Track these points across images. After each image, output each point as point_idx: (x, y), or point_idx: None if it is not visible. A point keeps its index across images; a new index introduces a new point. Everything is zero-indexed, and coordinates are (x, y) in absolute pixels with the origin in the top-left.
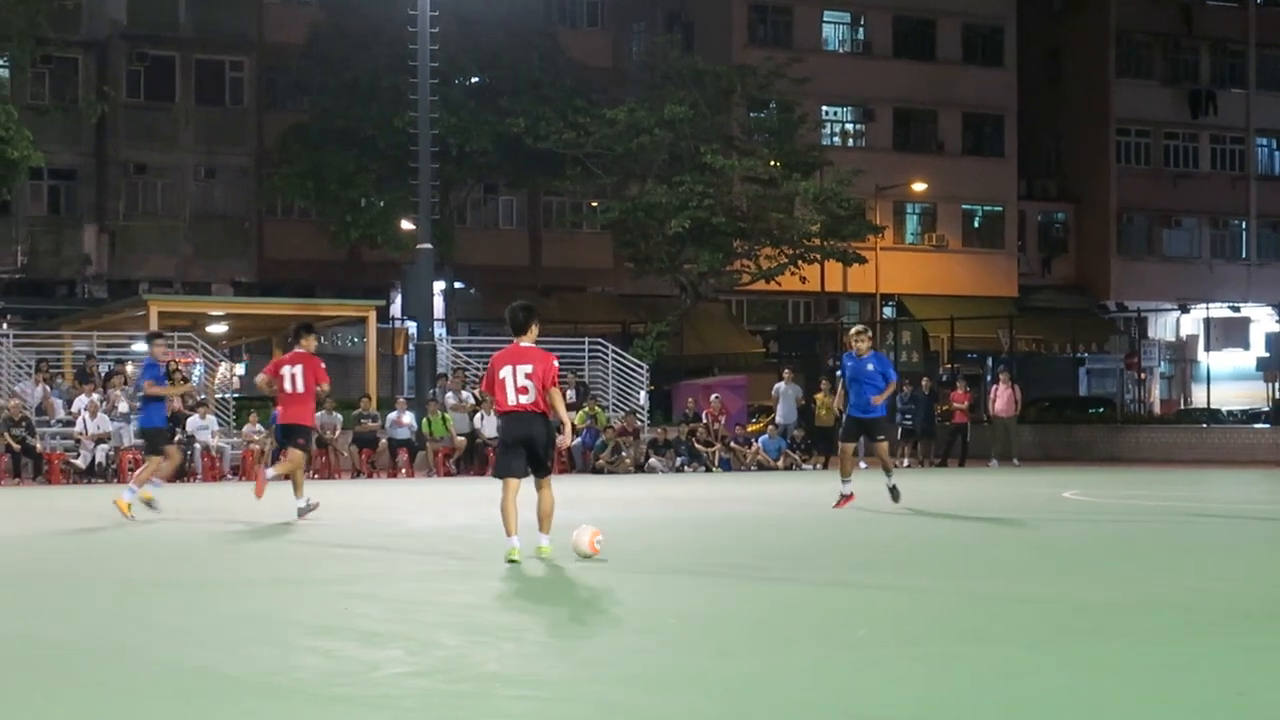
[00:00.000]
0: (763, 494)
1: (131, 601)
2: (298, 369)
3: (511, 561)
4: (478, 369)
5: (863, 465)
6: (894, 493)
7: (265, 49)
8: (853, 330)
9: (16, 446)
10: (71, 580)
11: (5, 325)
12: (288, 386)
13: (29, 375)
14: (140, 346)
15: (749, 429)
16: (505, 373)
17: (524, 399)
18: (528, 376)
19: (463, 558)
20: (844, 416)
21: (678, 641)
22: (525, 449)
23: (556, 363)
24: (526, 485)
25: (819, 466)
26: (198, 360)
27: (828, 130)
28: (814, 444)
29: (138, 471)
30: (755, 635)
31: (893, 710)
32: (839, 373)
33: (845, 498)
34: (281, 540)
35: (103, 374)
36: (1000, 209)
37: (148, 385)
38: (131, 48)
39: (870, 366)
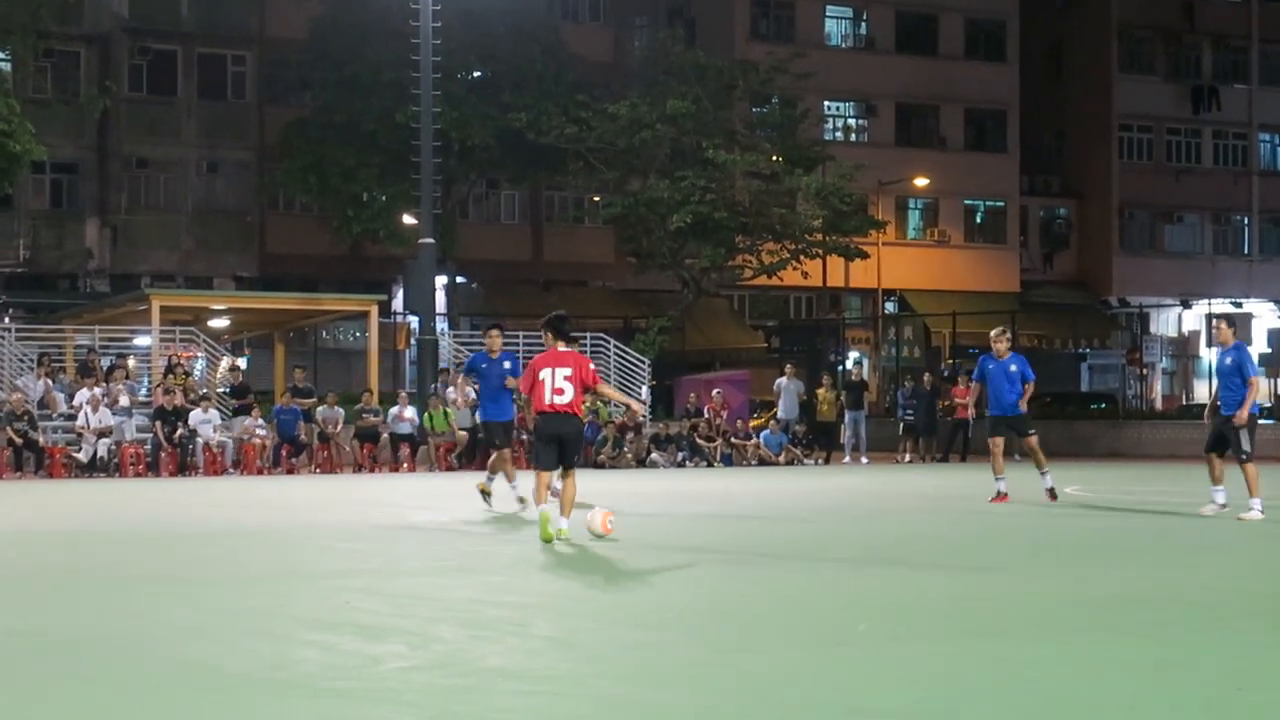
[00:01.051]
0: (764, 489)
1: (132, 597)
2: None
3: (548, 541)
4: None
5: (864, 460)
6: (1051, 493)
7: (267, 43)
8: (993, 333)
9: (19, 440)
10: (72, 575)
11: (7, 319)
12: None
13: (31, 369)
14: (142, 341)
15: (751, 424)
16: (545, 374)
17: (559, 399)
18: (566, 379)
19: (464, 552)
20: (984, 416)
21: (680, 637)
22: (558, 444)
23: (592, 365)
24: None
25: (820, 462)
26: (199, 355)
27: (830, 125)
28: (815, 439)
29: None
30: (758, 630)
31: (894, 705)
32: (974, 375)
33: (1000, 495)
34: (282, 535)
35: (104, 368)
36: (1002, 204)
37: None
38: (133, 41)
39: (1013, 368)
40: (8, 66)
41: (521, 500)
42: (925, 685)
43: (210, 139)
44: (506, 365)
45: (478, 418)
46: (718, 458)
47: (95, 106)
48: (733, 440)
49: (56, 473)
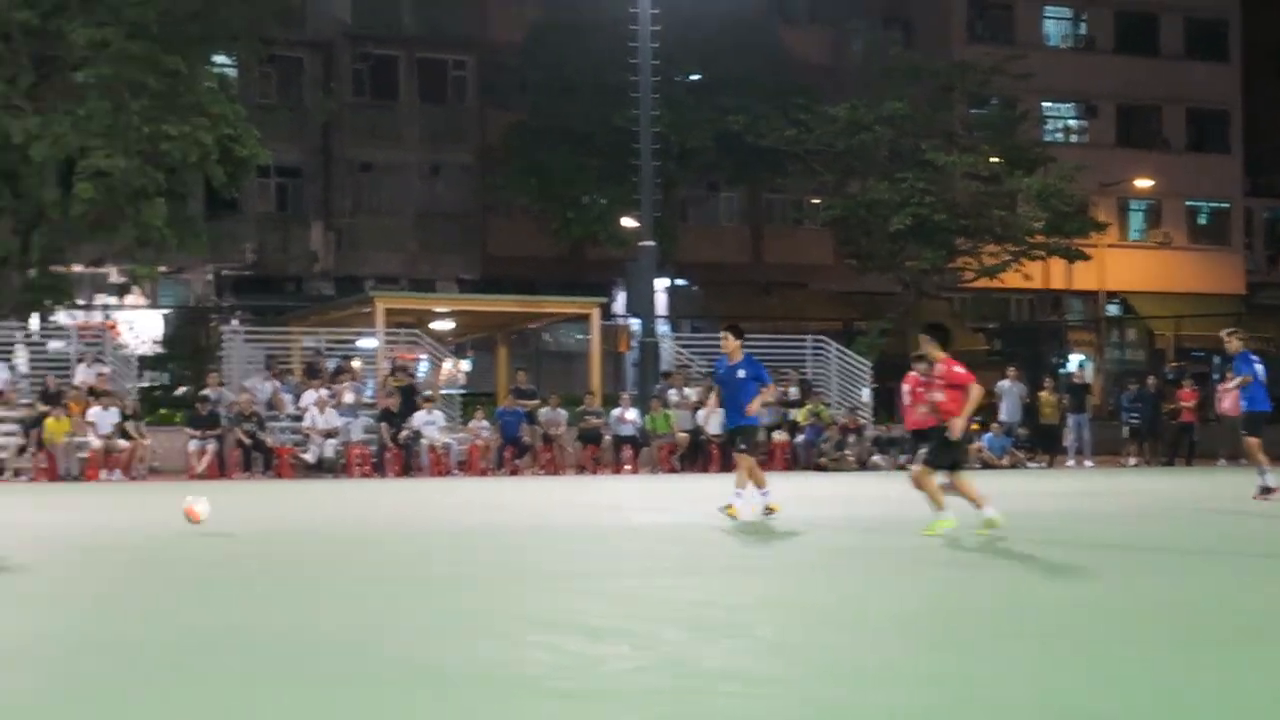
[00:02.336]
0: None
1: (359, 596)
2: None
3: (934, 535)
4: (700, 366)
5: (1088, 463)
6: (1265, 491)
7: (487, 47)
8: (1225, 332)
9: (248, 441)
10: (299, 575)
11: (235, 322)
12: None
13: (259, 371)
14: (367, 343)
15: (973, 427)
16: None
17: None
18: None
19: (686, 554)
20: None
21: (899, 638)
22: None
23: (958, 368)
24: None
25: (1044, 465)
26: (423, 357)
27: (1049, 126)
28: (1038, 442)
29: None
30: (979, 631)
31: (1101, 710)
32: (1240, 371)
33: (1269, 490)
34: (506, 536)
35: (330, 370)
36: (1226, 206)
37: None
38: (355, 46)
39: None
40: (234, 72)
41: (770, 510)
42: (1135, 689)
43: (432, 142)
44: (741, 374)
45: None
46: None
47: (320, 111)
48: None
49: (284, 473)
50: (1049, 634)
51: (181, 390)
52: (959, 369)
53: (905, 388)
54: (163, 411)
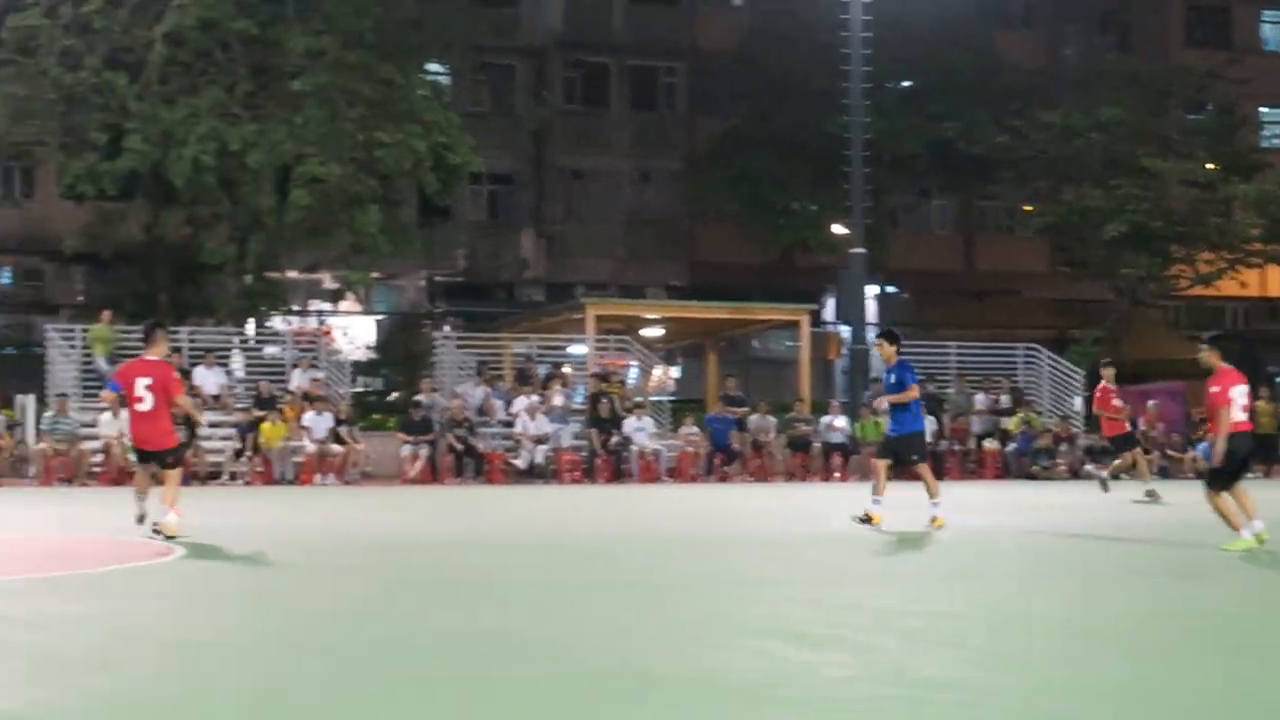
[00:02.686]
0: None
1: (574, 601)
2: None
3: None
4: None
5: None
6: None
7: (697, 54)
8: None
9: (459, 446)
10: (512, 580)
11: (447, 328)
12: None
13: (470, 377)
14: (577, 349)
15: (1191, 436)
16: (1235, 392)
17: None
18: (1246, 395)
19: (899, 562)
20: None
21: (1114, 650)
22: (1243, 463)
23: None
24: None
25: (1260, 475)
26: (633, 363)
27: (1266, 132)
28: (1254, 452)
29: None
30: (1203, 645)
31: None
32: None
33: None
34: (717, 542)
35: (541, 376)
36: None
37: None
38: (567, 54)
39: None
40: (447, 80)
41: (867, 518)
42: None
43: (642, 149)
44: (892, 379)
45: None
46: (1154, 470)
47: (532, 118)
48: (1169, 453)
49: (495, 478)
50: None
51: (394, 396)
52: (1216, 388)
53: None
54: (376, 416)
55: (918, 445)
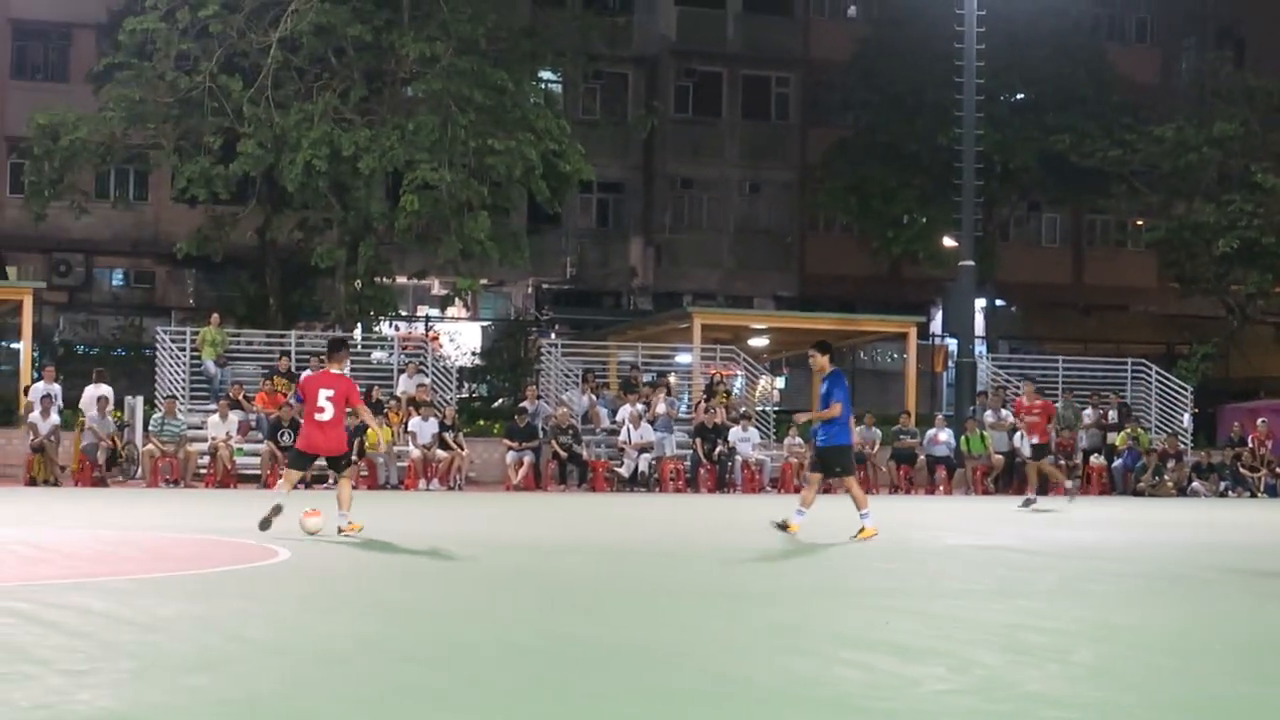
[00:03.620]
0: None
1: (669, 609)
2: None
3: None
4: (1018, 387)
5: None
6: None
7: (811, 65)
8: None
9: (563, 454)
10: (614, 587)
11: (554, 335)
12: None
13: (576, 384)
14: (683, 358)
15: None
16: None
17: None
18: None
19: (1001, 576)
20: None
21: (1222, 668)
22: None
23: None
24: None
25: None
26: (739, 373)
27: None
28: None
29: None
30: None
31: None
32: None
33: None
34: (820, 552)
35: (646, 384)
36: None
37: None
38: (679, 63)
39: None
40: (559, 88)
41: (863, 534)
42: None
43: (753, 159)
44: (823, 389)
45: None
46: (1261, 488)
47: (643, 127)
48: (1279, 470)
49: (599, 486)
50: None
51: (500, 402)
52: None
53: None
54: (481, 423)
55: (844, 458)
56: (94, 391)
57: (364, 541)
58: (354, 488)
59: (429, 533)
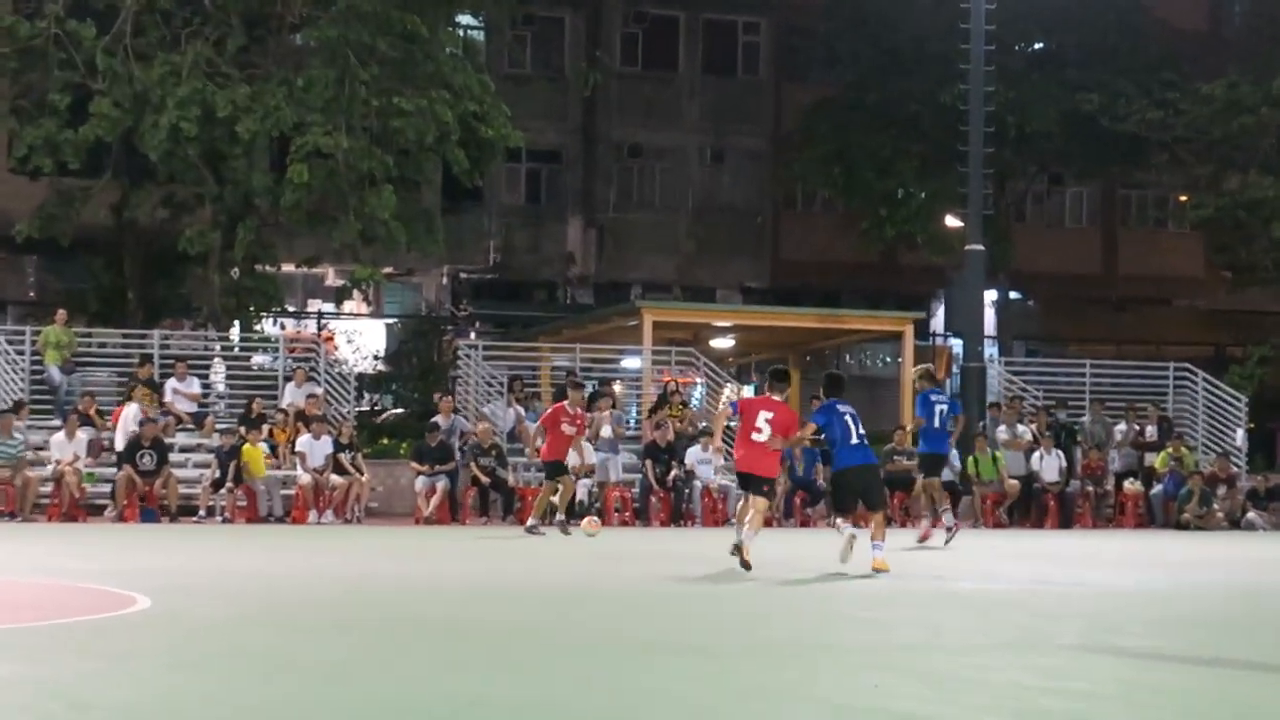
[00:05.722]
0: None
1: (623, 666)
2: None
3: None
4: (1035, 397)
5: None
6: None
7: (785, 8)
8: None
9: (485, 479)
10: (542, 636)
11: (474, 334)
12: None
13: (501, 395)
14: (631, 363)
15: None
16: None
17: None
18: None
19: (1015, 627)
20: None
21: None
22: None
23: None
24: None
25: None
26: (699, 380)
27: None
28: None
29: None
30: None
31: None
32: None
33: None
34: (797, 600)
35: (586, 395)
36: None
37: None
38: (629, 6)
39: None
40: (481, 36)
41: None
42: None
43: (716, 123)
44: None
45: None
46: None
47: (583, 84)
48: None
49: (528, 518)
50: None
51: (404, 412)
52: None
53: None
54: (385, 441)
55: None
56: None
57: (239, 588)
58: (227, 520)
59: (320, 574)
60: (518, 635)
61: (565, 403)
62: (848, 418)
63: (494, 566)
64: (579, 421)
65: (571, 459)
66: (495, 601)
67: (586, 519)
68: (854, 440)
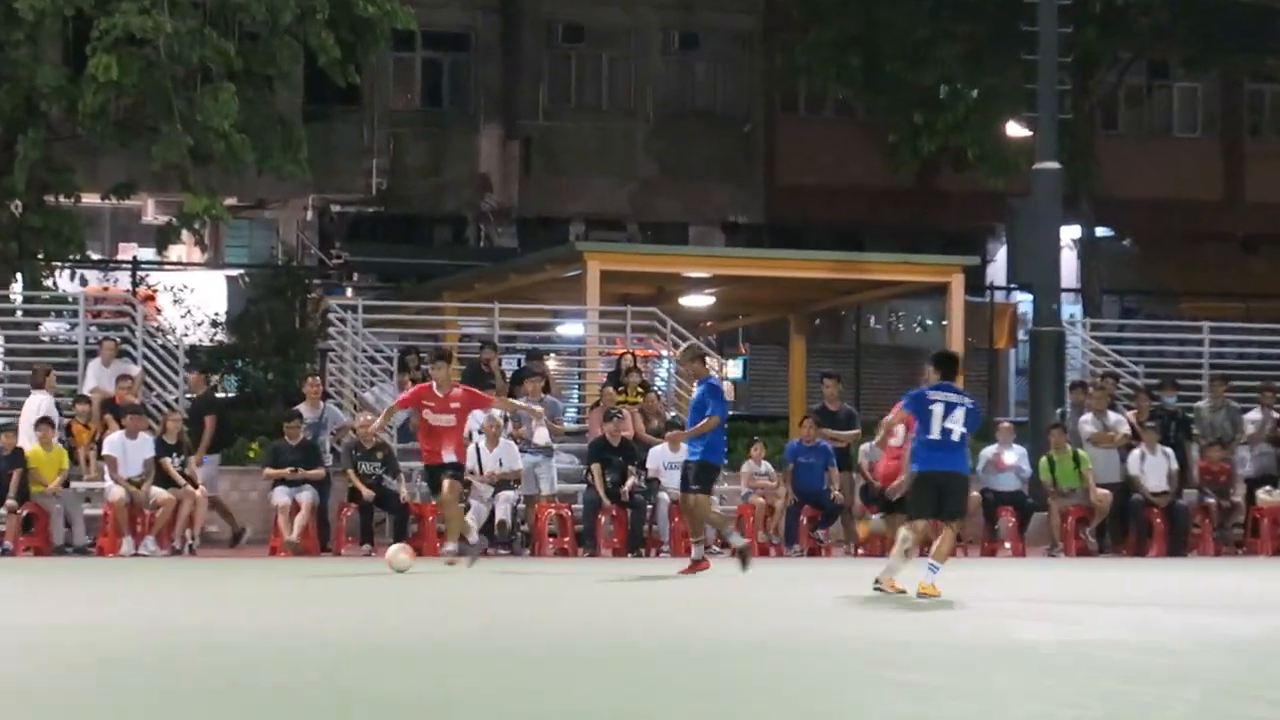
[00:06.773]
0: None
1: None
2: None
3: None
4: (1133, 374)
5: None
6: None
7: None
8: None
9: (367, 493)
10: (450, 711)
11: (350, 291)
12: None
13: (390, 375)
14: (571, 329)
15: None
16: None
17: None
18: None
19: (1102, 697)
20: None
21: None
22: None
23: None
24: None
25: None
26: (665, 353)
27: None
28: None
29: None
30: None
31: None
32: None
33: None
34: (800, 652)
35: (508, 373)
36: None
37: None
38: None
39: None
40: None
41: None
42: None
43: None
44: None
45: None
46: None
47: None
48: None
49: (428, 547)
50: None
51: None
52: None
53: None
54: (230, 444)
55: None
56: None
57: (16, 649)
58: (7, 553)
59: (138, 628)
60: (409, 711)
61: (432, 384)
62: (936, 407)
63: (377, 614)
64: (455, 405)
65: (471, 460)
66: (379, 663)
67: (395, 547)
68: (933, 435)
